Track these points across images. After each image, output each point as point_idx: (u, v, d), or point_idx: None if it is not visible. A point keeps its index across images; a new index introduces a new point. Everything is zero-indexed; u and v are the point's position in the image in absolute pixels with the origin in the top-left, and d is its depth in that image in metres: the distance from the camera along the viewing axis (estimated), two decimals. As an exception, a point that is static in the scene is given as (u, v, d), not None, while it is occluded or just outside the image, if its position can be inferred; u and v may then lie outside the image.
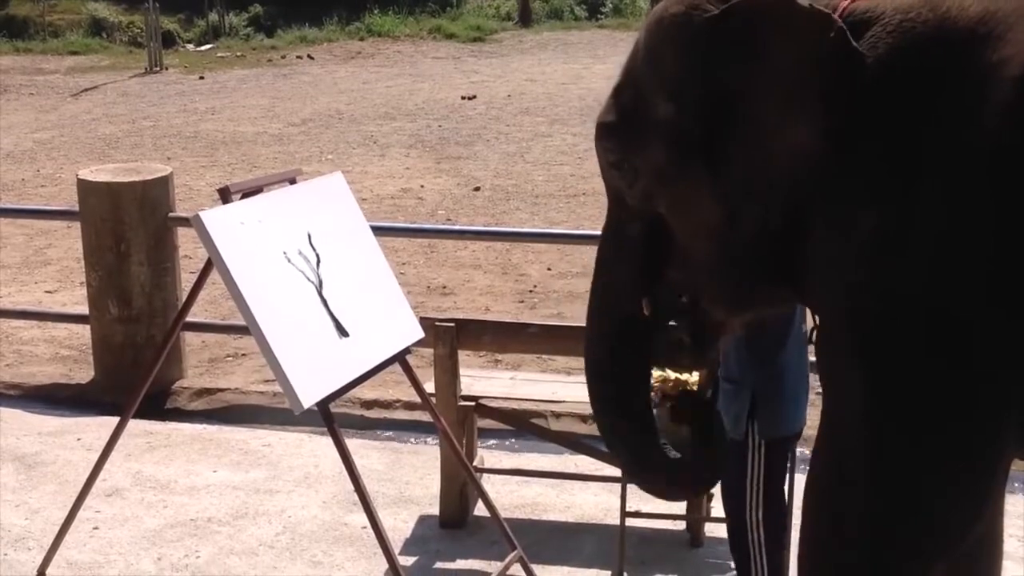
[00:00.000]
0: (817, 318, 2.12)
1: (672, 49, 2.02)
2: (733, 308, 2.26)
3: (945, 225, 1.82)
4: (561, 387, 4.06)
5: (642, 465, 2.41)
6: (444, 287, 6.51)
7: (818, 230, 1.95)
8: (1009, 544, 2.53)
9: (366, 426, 4.73)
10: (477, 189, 8.87)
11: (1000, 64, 1.80)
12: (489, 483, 3.76)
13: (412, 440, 4.61)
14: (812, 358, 2.87)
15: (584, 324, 2.43)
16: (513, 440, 4.50)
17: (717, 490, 3.72)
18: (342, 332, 2.90)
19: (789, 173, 1.94)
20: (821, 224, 1.94)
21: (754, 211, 2.00)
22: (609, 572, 3.47)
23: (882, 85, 1.87)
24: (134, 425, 3.85)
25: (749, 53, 1.94)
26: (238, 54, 17.50)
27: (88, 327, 5.17)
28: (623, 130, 2.12)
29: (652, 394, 3.74)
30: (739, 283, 2.12)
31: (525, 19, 20.45)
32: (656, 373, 3.71)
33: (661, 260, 2.19)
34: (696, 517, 3.60)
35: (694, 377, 3.68)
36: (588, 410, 4.50)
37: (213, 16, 19.59)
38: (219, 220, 2.80)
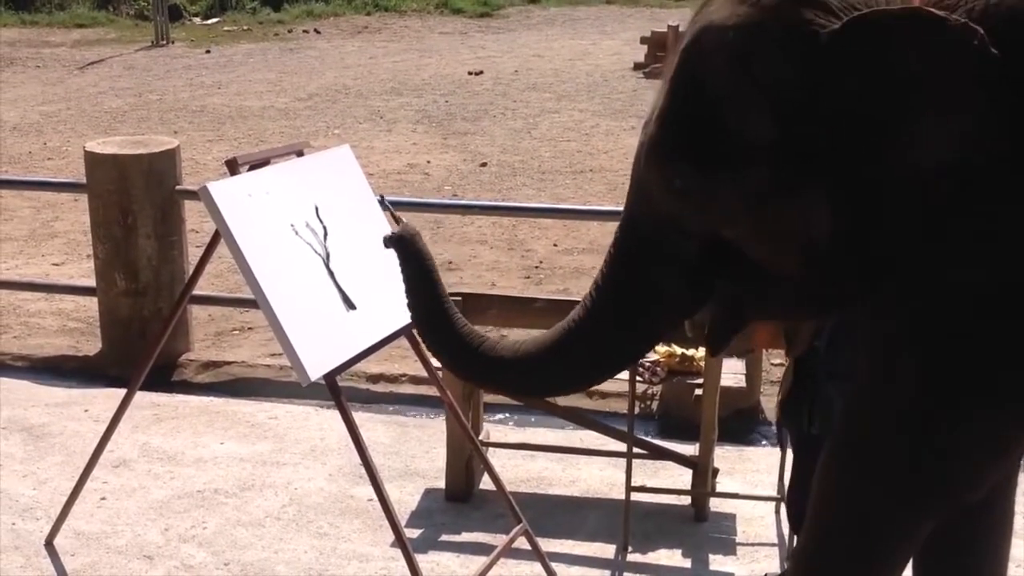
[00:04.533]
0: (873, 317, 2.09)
1: (787, 65, 1.85)
2: (802, 319, 2.21)
3: None
4: (567, 362, 4.05)
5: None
6: (450, 262, 6.51)
7: (943, 234, 1.90)
8: (1016, 521, 2.53)
9: (372, 400, 4.75)
10: (484, 165, 8.85)
11: None
12: (495, 457, 3.77)
13: (418, 414, 4.63)
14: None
15: None
16: (519, 415, 4.52)
17: (723, 466, 3.75)
18: (349, 305, 2.91)
19: (931, 183, 1.86)
20: (954, 227, 1.89)
21: (878, 227, 1.90)
22: (614, 546, 3.48)
23: (1005, 87, 1.81)
24: (141, 397, 3.87)
25: (881, 66, 1.82)
26: (245, 28, 17.44)
27: (95, 299, 5.18)
28: (701, 154, 1.93)
29: (658, 368, 3.78)
30: (824, 298, 2.06)
31: (533, -6, 20.32)
32: (662, 348, 3.73)
33: (713, 278, 2.09)
34: (701, 492, 3.61)
35: (700, 353, 3.70)
36: (594, 386, 4.56)
37: (220, -10, 19.50)
38: (227, 192, 2.79)
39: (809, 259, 1.96)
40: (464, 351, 2.35)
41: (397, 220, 2.54)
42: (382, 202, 2.81)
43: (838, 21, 1.84)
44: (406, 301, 2.39)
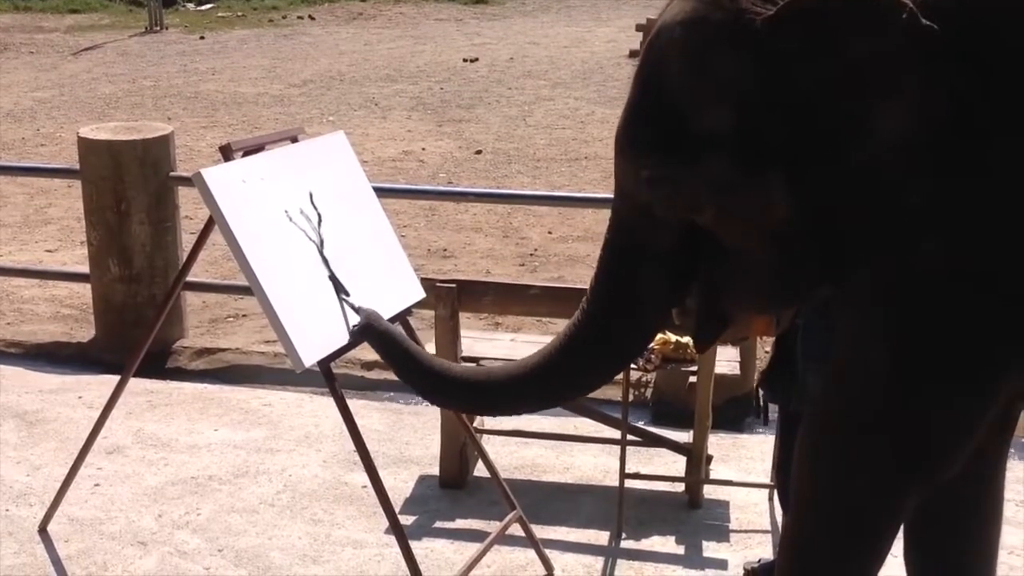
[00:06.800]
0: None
1: (728, 56, 1.91)
2: (776, 307, 2.25)
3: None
4: (561, 349, 4.05)
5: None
6: (445, 250, 6.51)
7: (902, 211, 1.92)
8: (1007, 508, 2.54)
9: (366, 387, 4.74)
10: (478, 152, 8.84)
11: None
12: (489, 444, 3.77)
13: (413, 401, 4.62)
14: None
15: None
16: (513, 402, 4.51)
17: (717, 453, 3.76)
18: (343, 292, 2.90)
19: (882, 161, 1.89)
20: (911, 204, 1.91)
21: (835, 207, 1.94)
22: (608, 533, 3.49)
23: (944, 59, 1.85)
24: (135, 384, 3.87)
25: (820, 50, 1.86)
26: (239, 14, 17.38)
27: (89, 286, 5.17)
28: (664, 145, 1.99)
29: (652, 356, 3.78)
30: (794, 283, 2.08)
31: (528, -19, 20.26)
32: (656, 336, 3.73)
33: (691, 268, 2.14)
34: (695, 479, 3.62)
35: (694, 341, 3.69)
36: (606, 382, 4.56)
37: (214, -25, 19.42)
38: (221, 178, 2.78)
39: (775, 244, 2.01)
40: (478, 392, 2.41)
41: (356, 309, 2.70)
42: (337, 291, 2.83)
43: (775, 9, 1.88)
44: (400, 378, 2.50)
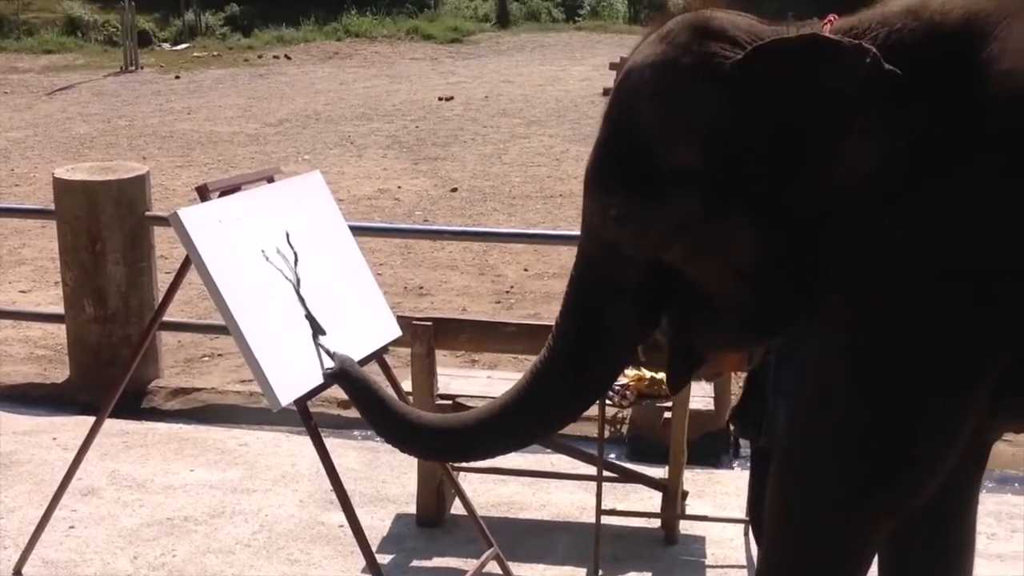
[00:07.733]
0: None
1: (699, 96, 1.97)
2: (748, 342, 2.29)
3: (990, 206, 1.92)
4: (538, 386, 4.06)
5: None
6: (421, 288, 6.53)
7: (865, 241, 1.97)
8: (979, 541, 2.56)
9: (343, 425, 4.72)
10: (454, 190, 8.88)
11: (990, 61, 1.89)
12: (466, 482, 3.77)
13: (389, 439, 4.62)
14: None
15: None
16: (490, 439, 4.51)
17: (692, 488, 3.77)
18: (319, 331, 2.91)
19: (847, 198, 1.95)
20: (872, 234, 1.96)
21: (803, 243, 1.99)
22: (584, 570, 3.49)
23: (906, 99, 1.91)
24: (110, 424, 3.84)
25: (787, 92, 1.93)
26: (214, 54, 17.44)
27: (63, 327, 5.15)
28: (632, 183, 2.04)
29: (627, 392, 3.80)
30: (766, 318, 2.11)
31: (503, 20, 20.49)
32: (631, 372, 3.76)
33: (659, 304, 2.17)
34: (671, 515, 3.63)
35: (669, 376, 3.71)
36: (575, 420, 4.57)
37: (189, 15, 19.50)
38: (197, 218, 2.80)
39: (746, 280, 2.05)
40: (451, 439, 2.41)
41: (331, 355, 2.71)
42: (313, 331, 2.85)
43: (743, 52, 1.95)
44: (372, 427, 2.50)
